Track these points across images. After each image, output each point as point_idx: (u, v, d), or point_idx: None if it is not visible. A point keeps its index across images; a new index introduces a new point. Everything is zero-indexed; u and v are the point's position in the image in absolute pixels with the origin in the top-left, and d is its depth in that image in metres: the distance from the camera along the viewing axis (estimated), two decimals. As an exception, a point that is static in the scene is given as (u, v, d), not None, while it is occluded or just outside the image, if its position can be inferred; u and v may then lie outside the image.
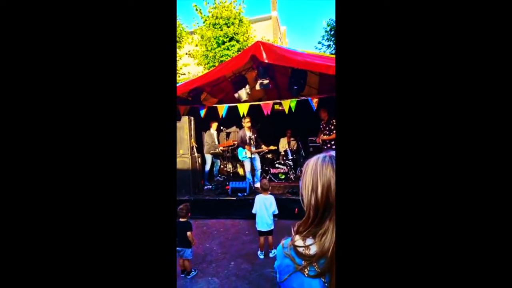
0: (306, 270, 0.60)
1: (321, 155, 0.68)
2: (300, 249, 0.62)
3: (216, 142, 5.52)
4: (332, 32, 8.98)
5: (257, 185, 4.64)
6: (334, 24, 8.83)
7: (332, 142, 4.35)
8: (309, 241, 0.63)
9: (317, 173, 0.66)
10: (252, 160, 4.84)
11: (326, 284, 0.58)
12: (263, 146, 5.04)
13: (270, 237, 2.87)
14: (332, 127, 4.32)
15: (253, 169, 4.92)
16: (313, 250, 0.61)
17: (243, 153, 4.86)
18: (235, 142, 5.64)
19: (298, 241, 0.64)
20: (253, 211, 2.91)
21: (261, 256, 2.87)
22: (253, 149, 4.77)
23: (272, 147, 5.16)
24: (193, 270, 2.58)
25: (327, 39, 9.24)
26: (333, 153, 0.67)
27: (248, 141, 4.79)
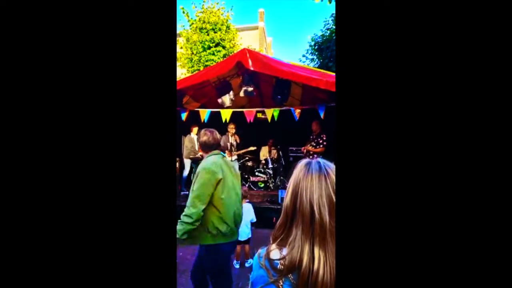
0: (280, 283, 0.57)
1: (306, 160, 0.67)
2: (275, 262, 0.59)
3: (196, 147, 5.40)
4: (316, 47, 9.30)
5: None
6: (319, 39, 9.19)
7: (316, 155, 4.42)
8: (285, 251, 0.60)
9: (292, 177, 0.64)
10: None
11: None
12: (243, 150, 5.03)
13: (247, 246, 2.82)
14: (321, 141, 4.39)
15: None
16: (287, 260, 0.59)
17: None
18: (216, 148, 5.56)
19: (274, 251, 0.62)
20: (231, 219, 2.85)
21: (237, 266, 2.80)
22: (234, 153, 4.74)
23: (251, 148, 5.12)
24: (164, 280, 2.44)
25: (311, 53, 9.56)
26: (321, 159, 0.66)
27: (229, 147, 4.74)
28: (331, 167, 0.63)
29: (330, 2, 3.40)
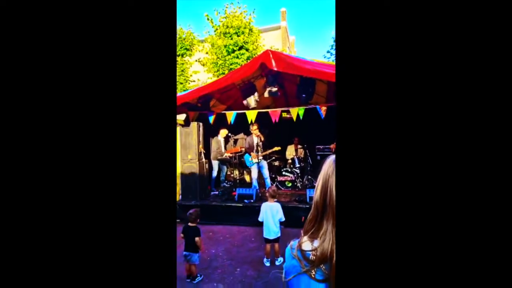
0: (313, 272, 0.60)
1: (334, 156, 0.68)
2: (307, 253, 0.62)
3: (222, 149, 5.55)
4: (341, 41, 9.03)
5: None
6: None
7: None
8: (316, 243, 0.62)
9: (322, 172, 0.66)
10: (259, 167, 4.85)
11: None
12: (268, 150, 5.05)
13: (276, 245, 2.85)
14: None
15: (260, 177, 4.92)
16: (319, 252, 0.61)
17: (249, 159, 4.89)
18: (243, 149, 5.67)
19: (306, 243, 0.64)
20: (259, 219, 2.90)
21: (267, 264, 2.84)
22: (260, 154, 4.79)
23: (276, 148, 5.10)
24: (198, 275, 2.57)
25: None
26: None
27: (255, 148, 4.82)
28: None
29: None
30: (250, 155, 4.85)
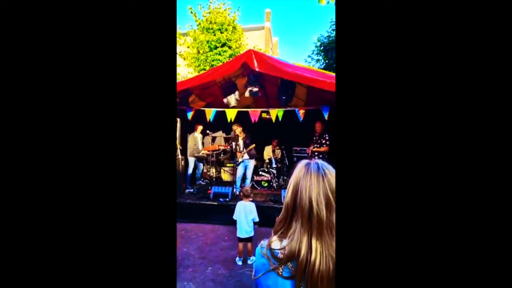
0: (280, 270, 0.63)
1: (305, 161, 0.72)
2: (276, 251, 0.65)
3: (200, 146, 5.47)
4: (322, 47, 9.31)
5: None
6: (324, 40, 9.19)
7: (321, 156, 4.46)
8: (285, 242, 0.65)
9: (293, 176, 0.70)
10: (245, 167, 4.85)
11: None
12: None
13: (249, 244, 2.87)
14: (323, 141, 4.44)
15: (243, 176, 4.92)
16: (287, 250, 0.64)
17: (236, 158, 4.89)
18: (221, 147, 5.63)
19: (275, 242, 0.67)
20: (234, 217, 2.91)
21: (239, 263, 2.85)
22: (243, 152, 4.80)
23: (251, 146, 5.05)
24: (168, 274, 2.52)
25: (317, 53, 9.57)
26: (319, 161, 0.71)
27: (234, 147, 4.82)
28: (328, 168, 0.68)
29: (336, 5, 3.42)
30: (236, 154, 4.86)
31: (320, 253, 0.61)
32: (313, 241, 0.62)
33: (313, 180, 0.65)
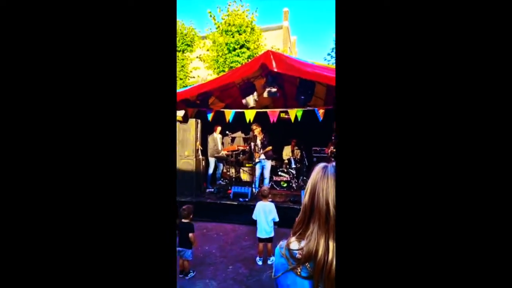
0: (298, 270, 0.64)
1: (323, 164, 0.73)
2: (294, 252, 0.66)
3: (219, 146, 5.57)
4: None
5: None
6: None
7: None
8: (303, 243, 0.67)
9: (311, 178, 0.71)
10: (262, 167, 4.89)
11: None
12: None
13: (269, 244, 2.89)
14: None
15: (261, 176, 4.97)
16: (305, 251, 0.65)
17: (254, 158, 4.95)
18: (240, 147, 5.70)
19: (293, 242, 0.69)
20: (253, 217, 2.94)
21: (260, 263, 2.88)
22: (261, 152, 4.83)
23: (268, 148, 5.02)
24: (191, 271, 2.60)
25: (337, 51, 9.35)
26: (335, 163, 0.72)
27: (253, 148, 4.86)
28: None
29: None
30: (254, 154, 4.94)
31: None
32: (330, 242, 0.63)
33: (330, 183, 0.67)
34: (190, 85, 5.07)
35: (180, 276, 2.55)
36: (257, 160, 4.84)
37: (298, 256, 0.65)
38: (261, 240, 2.88)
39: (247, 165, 5.98)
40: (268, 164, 4.97)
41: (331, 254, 0.62)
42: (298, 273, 0.64)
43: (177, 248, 2.54)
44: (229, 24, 8.95)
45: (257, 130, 4.91)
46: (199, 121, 4.85)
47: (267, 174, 4.95)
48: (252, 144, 4.92)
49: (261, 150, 4.83)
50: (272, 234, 2.87)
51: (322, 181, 0.68)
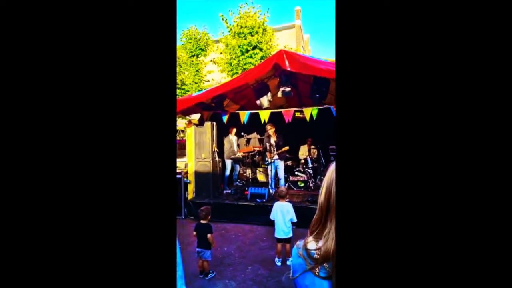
0: (317, 270, 0.63)
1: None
2: (312, 252, 0.65)
3: (235, 148, 5.62)
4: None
5: None
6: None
7: None
8: (320, 242, 0.66)
9: (326, 177, 0.70)
10: (275, 167, 4.88)
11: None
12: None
13: (287, 245, 2.86)
14: None
15: (276, 176, 4.95)
16: (323, 250, 0.64)
17: (266, 158, 4.94)
18: (255, 148, 5.71)
19: (311, 242, 0.68)
20: (271, 217, 2.92)
21: (278, 263, 2.86)
22: (274, 153, 4.82)
23: (284, 148, 4.98)
24: (211, 271, 2.63)
25: (351, 47, 9.14)
26: None
27: (269, 148, 4.85)
28: None
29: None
30: (267, 154, 4.93)
31: None
32: None
33: None
34: (205, 89, 5.16)
35: (200, 276, 2.60)
36: (270, 160, 4.82)
37: (316, 256, 0.64)
38: (279, 240, 2.86)
39: (263, 166, 5.98)
40: (281, 164, 4.94)
41: None
42: (317, 273, 0.63)
43: (196, 249, 2.59)
44: (241, 26, 9.02)
45: (271, 130, 4.90)
46: (214, 123, 4.93)
47: (281, 174, 4.92)
48: (267, 144, 4.91)
49: (275, 150, 4.81)
50: (290, 235, 2.84)
51: (329, 175, 0.68)
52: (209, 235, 2.53)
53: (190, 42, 10.36)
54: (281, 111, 4.60)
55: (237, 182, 5.88)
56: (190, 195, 4.87)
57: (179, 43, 10.46)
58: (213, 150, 4.85)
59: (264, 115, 4.59)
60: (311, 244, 0.67)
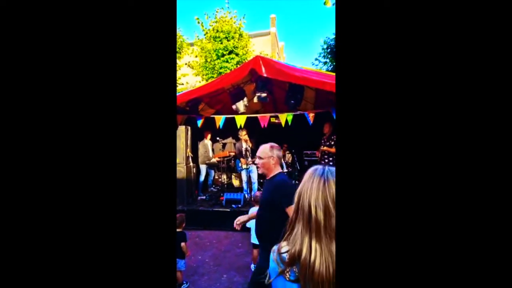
0: (287, 274, 0.64)
1: (315, 166, 0.73)
2: (283, 256, 0.66)
3: (210, 153, 5.51)
4: (329, 50, 9.28)
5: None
6: (331, 42, 9.15)
7: (331, 158, 4.40)
8: (291, 245, 0.66)
9: (303, 180, 0.72)
10: (249, 172, 4.86)
11: None
12: None
13: (263, 250, 2.85)
14: (332, 143, 4.39)
15: (250, 181, 4.92)
16: (291, 253, 0.65)
17: (239, 165, 4.89)
18: (231, 153, 5.66)
19: (285, 247, 0.68)
20: (247, 224, 2.89)
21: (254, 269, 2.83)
22: (249, 160, 4.80)
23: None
24: (184, 282, 2.52)
25: (324, 56, 9.54)
26: (328, 167, 0.71)
27: (244, 153, 4.82)
28: (334, 174, 0.68)
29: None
30: (240, 160, 4.87)
31: (320, 254, 0.62)
32: (313, 243, 0.63)
33: (314, 184, 0.67)
34: (179, 92, 5.02)
35: (173, 288, 2.47)
36: (244, 166, 4.80)
37: (286, 259, 0.65)
38: (255, 246, 2.83)
39: (234, 174, 5.93)
40: (255, 168, 4.94)
41: (313, 254, 0.61)
42: (287, 277, 0.64)
43: (169, 259, 2.46)
44: (217, 31, 8.99)
45: (244, 136, 4.88)
46: (189, 128, 4.79)
47: (255, 178, 4.91)
48: (243, 148, 4.88)
49: (250, 158, 4.80)
50: (266, 240, 2.83)
51: (308, 182, 0.69)
52: (182, 244, 2.43)
53: (176, 38, 10.06)
54: (257, 116, 4.62)
55: (212, 188, 5.76)
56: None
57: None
58: (187, 155, 4.71)
59: (240, 120, 4.58)
60: (284, 248, 0.68)
